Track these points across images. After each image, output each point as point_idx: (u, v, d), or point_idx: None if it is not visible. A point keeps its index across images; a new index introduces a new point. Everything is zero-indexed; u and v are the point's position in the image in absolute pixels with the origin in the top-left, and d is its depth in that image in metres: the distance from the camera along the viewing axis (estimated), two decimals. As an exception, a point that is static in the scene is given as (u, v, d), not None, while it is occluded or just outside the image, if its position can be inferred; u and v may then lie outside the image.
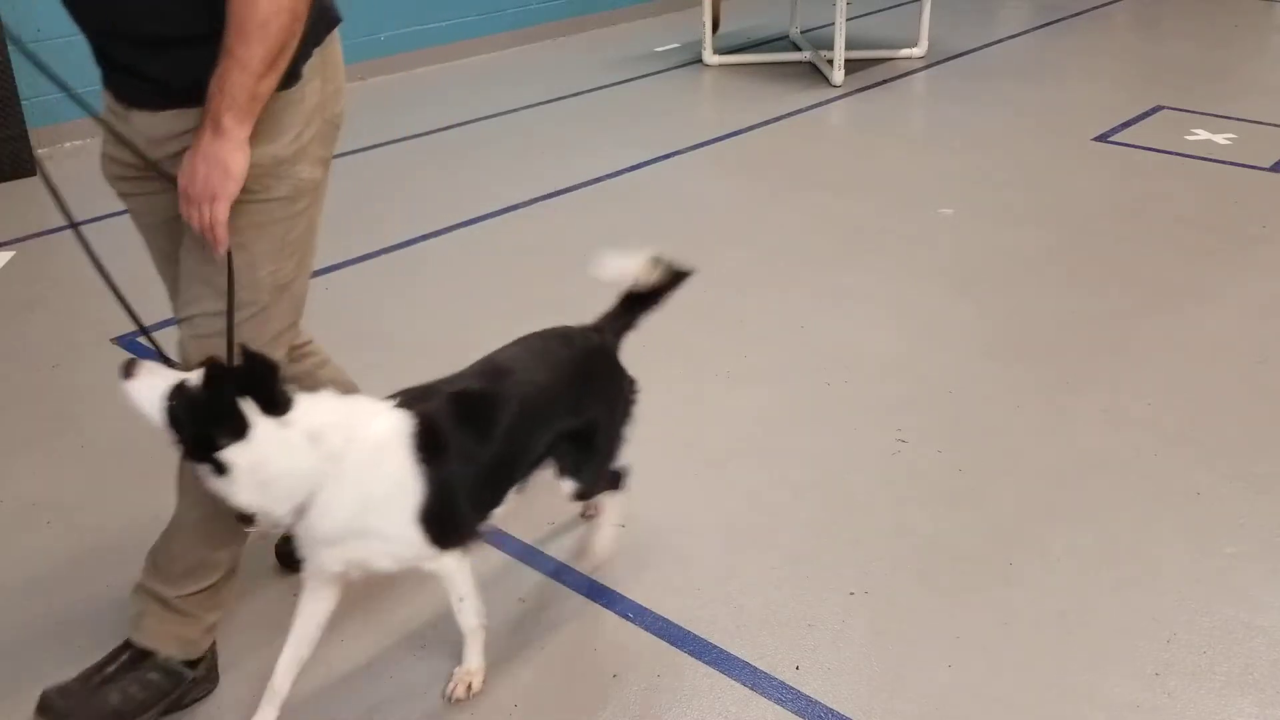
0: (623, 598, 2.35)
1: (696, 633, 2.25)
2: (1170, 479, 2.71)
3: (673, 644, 2.22)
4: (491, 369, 2.09)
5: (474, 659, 2.12)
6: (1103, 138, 5.13)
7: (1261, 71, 6.56)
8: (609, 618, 2.30)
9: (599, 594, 2.35)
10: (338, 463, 1.80)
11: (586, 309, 2.15)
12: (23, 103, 4.80)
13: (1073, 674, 2.14)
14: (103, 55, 1.89)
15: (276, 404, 1.78)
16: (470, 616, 2.09)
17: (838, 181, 4.72)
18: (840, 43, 5.95)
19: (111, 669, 2.02)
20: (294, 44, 1.75)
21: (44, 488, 2.78)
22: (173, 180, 1.82)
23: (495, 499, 2.04)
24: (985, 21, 7.49)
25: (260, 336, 1.89)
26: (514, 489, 2.07)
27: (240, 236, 1.83)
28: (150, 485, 2.78)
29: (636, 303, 2.29)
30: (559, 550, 2.49)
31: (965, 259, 3.95)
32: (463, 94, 6.11)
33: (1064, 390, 3.10)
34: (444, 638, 2.22)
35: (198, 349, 1.88)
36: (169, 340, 3.69)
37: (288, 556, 2.31)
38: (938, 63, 6.45)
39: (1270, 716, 2.04)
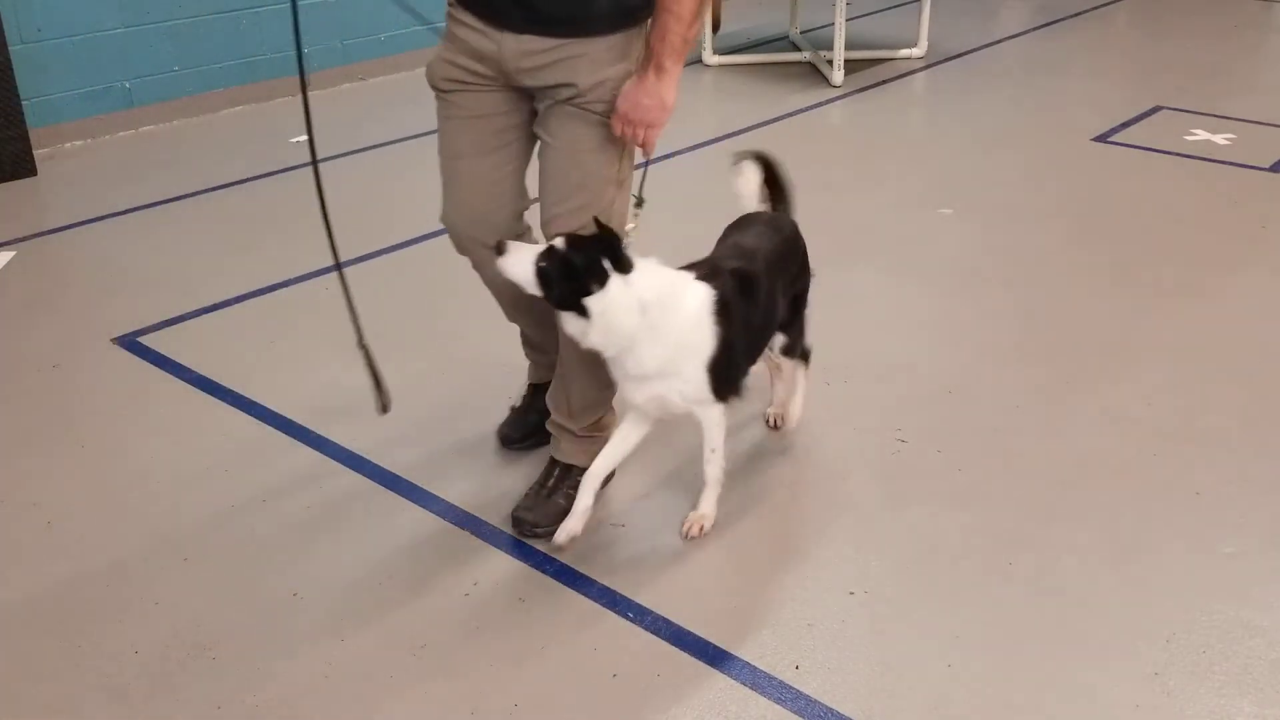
0: (623, 598, 2.35)
1: (696, 632, 2.25)
2: (1170, 479, 2.71)
3: (673, 644, 2.22)
4: (743, 252, 2.56)
5: (708, 506, 2.55)
6: (1102, 138, 5.13)
7: (1261, 71, 6.56)
8: (609, 618, 2.30)
9: (599, 594, 2.35)
10: (658, 321, 2.28)
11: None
12: (23, 103, 4.80)
13: (1072, 674, 2.14)
14: None
15: (623, 263, 2.25)
16: (715, 468, 2.53)
17: (837, 181, 4.72)
18: (840, 43, 5.96)
19: (551, 483, 2.60)
20: None
21: (44, 488, 2.78)
22: (517, 90, 2.33)
23: (755, 356, 2.59)
24: (985, 21, 7.50)
25: (615, 223, 2.39)
26: (766, 347, 2.66)
27: (602, 149, 2.32)
28: (150, 484, 2.79)
29: (771, 186, 2.82)
30: (560, 551, 2.49)
31: (965, 259, 3.95)
32: (463, 94, 6.10)
33: (1064, 390, 3.10)
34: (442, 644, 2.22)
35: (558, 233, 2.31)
36: (168, 340, 3.68)
37: (506, 439, 2.85)
38: (937, 63, 6.45)
39: (1269, 716, 2.04)
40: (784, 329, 2.69)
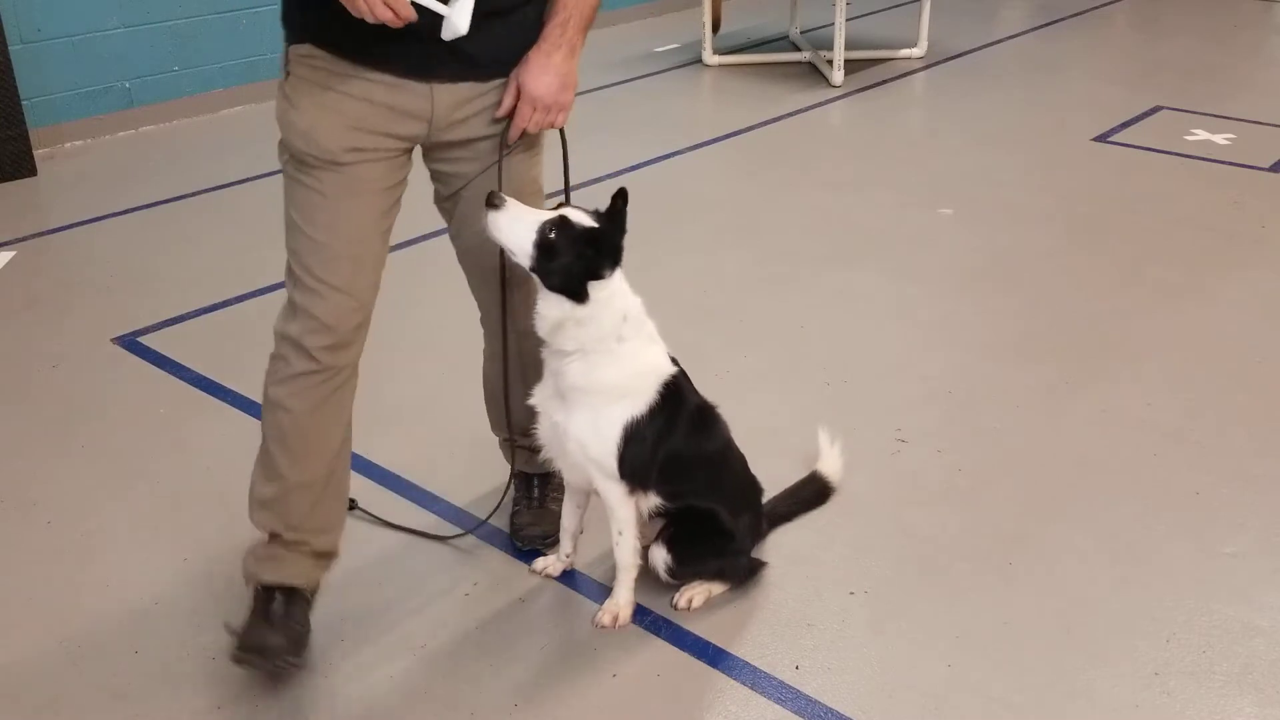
0: (623, 597, 2.34)
1: (696, 632, 2.25)
2: (1170, 479, 2.71)
3: (673, 644, 2.23)
4: (714, 414, 2.28)
5: (622, 593, 2.26)
6: (1102, 138, 5.13)
7: (1261, 71, 6.56)
8: (609, 617, 2.30)
9: (599, 595, 2.35)
10: (629, 336, 2.06)
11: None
12: (24, 103, 4.80)
13: (1072, 674, 2.14)
14: (409, 33, 1.89)
15: (619, 260, 2.04)
16: (624, 553, 2.23)
17: (837, 181, 4.72)
18: (840, 43, 5.96)
19: (535, 494, 2.54)
20: None
21: (44, 488, 2.78)
22: (453, 144, 2.15)
23: (661, 477, 2.19)
24: (985, 21, 7.49)
25: None
26: (668, 485, 2.20)
27: (537, 190, 2.26)
28: (149, 484, 2.79)
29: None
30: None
31: (965, 259, 3.96)
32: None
33: (1064, 390, 3.10)
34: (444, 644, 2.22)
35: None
36: (168, 340, 3.68)
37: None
38: (937, 63, 6.45)
39: (1269, 716, 2.04)
40: (669, 543, 2.24)
